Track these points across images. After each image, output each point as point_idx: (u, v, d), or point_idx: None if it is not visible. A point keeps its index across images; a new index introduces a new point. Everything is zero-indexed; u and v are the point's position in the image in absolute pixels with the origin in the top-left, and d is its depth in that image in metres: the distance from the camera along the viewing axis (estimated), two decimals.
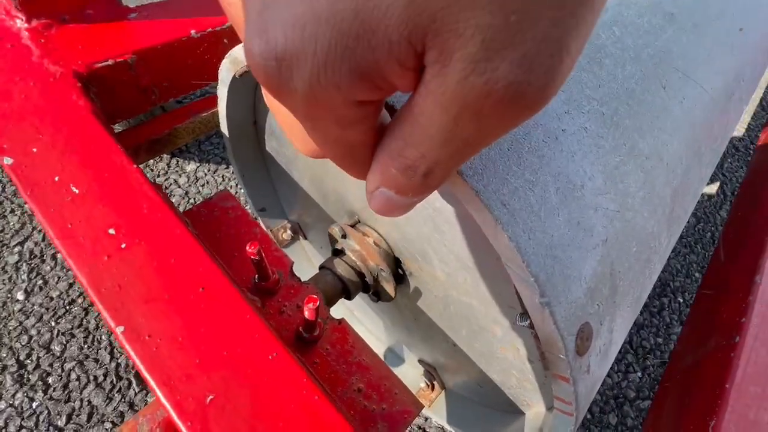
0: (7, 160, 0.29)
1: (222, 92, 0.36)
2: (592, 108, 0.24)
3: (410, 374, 0.49)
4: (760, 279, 0.37)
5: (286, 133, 0.16)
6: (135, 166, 0.31)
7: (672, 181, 0.28)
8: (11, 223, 0.69)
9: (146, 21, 0.41)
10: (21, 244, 0.67)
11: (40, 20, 0.37)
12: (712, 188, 1.08)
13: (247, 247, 0.30)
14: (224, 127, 0.40)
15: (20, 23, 0.37)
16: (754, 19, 0.43)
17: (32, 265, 0.65)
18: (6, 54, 0.35)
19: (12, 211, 0.71)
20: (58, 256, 0.67)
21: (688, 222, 0.98)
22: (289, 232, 0.52)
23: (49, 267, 0.65)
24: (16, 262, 0.65)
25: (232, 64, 0.31)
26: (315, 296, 0.29)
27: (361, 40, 0.10)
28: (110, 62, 0.37)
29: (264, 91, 0.17)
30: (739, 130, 1.24)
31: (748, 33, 0.41)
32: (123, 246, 0.27)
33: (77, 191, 0.28)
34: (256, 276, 0.33)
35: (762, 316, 0.34)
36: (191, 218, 0.34)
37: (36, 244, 0.68)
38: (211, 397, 0.23)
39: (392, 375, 0.33)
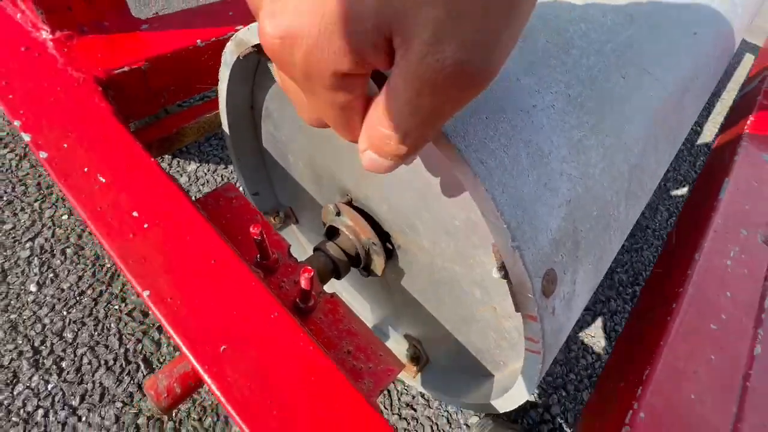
0: (43, 154, 0.33)
1: (224, 74, 0.40)
2: (560, 90, 0.29)
3: (396, 350, 0.54)
4: (699, 256, 0.42)
5: (293, 102, 0.20)
6: (152, 159, 0.35)
7: (629, 159, 0.33)
8: (22, 221, 0.73)
9: (156, 32, 0.45)
10: (32, 240, 0.71)
11: (63, 31, 0.42)
12: (685, 189, 1.15)
13: (251, 228, 0.35)
14: (223, 109, 0.44)
15: (45, 34, 0.41)
16: (707, 26, 0.48)
17: (43, 259, 0.69)
18: (34, 62, 0.39)
19: (22, 209, 0.75)
20: (68, 251, 0.71)
21: (661, 215, 1.04)
22: (281, 215, 0.56)
23: (59, 261, 0.69)
24: (28, 257, 0.69)
25: (236, 46, 0.35)
26: (310, 268, 0.33)
27: (344, 27, 0.13)
28: (126, 69, 0.41)
29: (274, 69, 0.21)
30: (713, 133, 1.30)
31: (702, 37, 0.46)
32: (145, 226, 0.31)
33: (104, 180, 0.33)
34: (258, 255, 0.37)
35: (696, 286, 0.40)
36: (200, 205, 0.39)
37: (46, 240, 0.72)
38: (224, 347, 0.27)
39: (377, 340, 0.38)
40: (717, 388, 0.34)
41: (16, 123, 0.35)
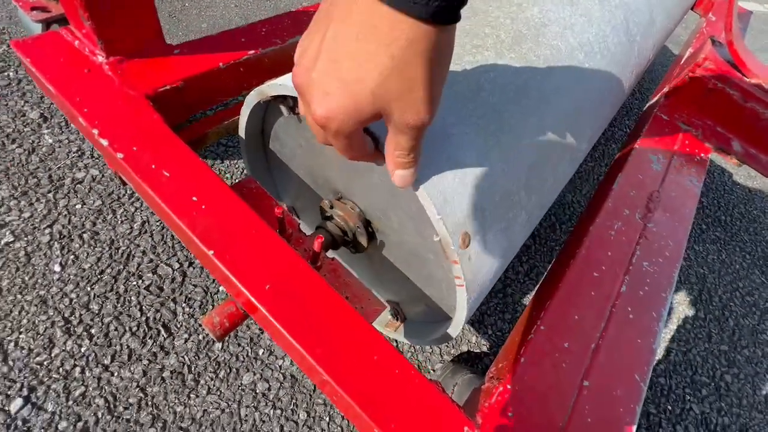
0: (119, 155, 0.45)
1: (245, 111, 0.53)
2: (471, 121, 0.44)
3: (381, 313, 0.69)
4: (593, 228, 0.60)
5: (315, 133, 0.33)
6: (197, 155, 0.48)
7: (526, 161, 0.49)
8: (38, 209, 0.81)
9: (187, 56, 0.57)
10: (50, 226, 0.80)
11: (115, 56, 0.53)
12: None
13: (275, 209, 0.48)
14: (242, 132, 0.57)
15: (101, 59, 0.52)
16: (599, 60, 0.65)
17: (63, 243, 0.78)
18: (97, 81, 0.50)
19: (38, 199, 0.82)
20: (84, 236, 0.80)
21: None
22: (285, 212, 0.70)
23: (77, 245, 0.79)
24: (48, 241, 0.78)
25: (257, 94, 0.48)
26: (321, 236, 0.47)
27: (359, 113, 0.27)
28: (167, 87, 0.53)
29: (308, 119, 0.34)
30: None
31: (586, 76, 0.63)
32: (203, 207, 0.44)
33: (167, 174, 0.45)
34: (278, 229, 0.51)
35: (587, 248, 0.57)
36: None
37: (63, 226, 0.80)
38: (268, 285, 0.41)
39: (367, 290, 0.53)
40: (594, 313, 0.51)
41: (95, 131, 0.46)
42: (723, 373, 0.98)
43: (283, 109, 0.49)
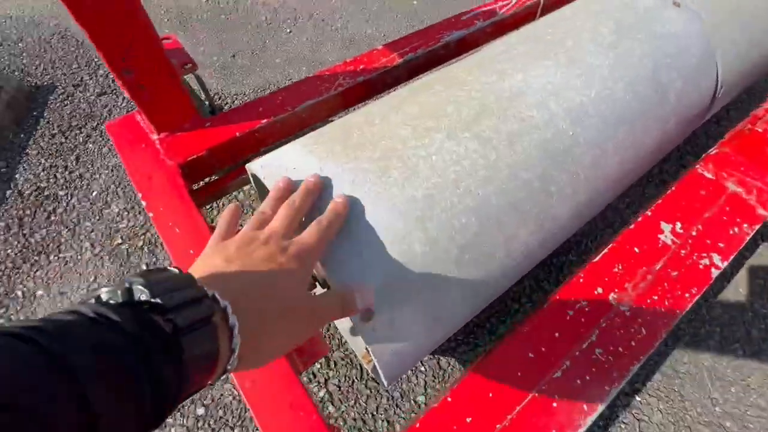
0: (150, 214, 0.64)
1: (248, 174, 0.68)
2: (396, 209, 0.50)
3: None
4: (548, 306, 0.60)
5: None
6: (202, 218, 0.64)
7: (457, 242, 0.53)
8: (140, 219, 1.11)
9: (213, 128, 0.74)
10: (144, 234, 1.08)
11: (164, 133, 0.72)
12: None
13: None
14: (254, 184, 0.72)
15: (155, 136, 0.72)
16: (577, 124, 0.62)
17: (151, 248, 1.06)
18: (148, 153, 0.70)
19: (141, 212, 1.12)
20: None
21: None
22: None
23: (160, 249, 1.05)
24: (141, 245, 1.06)
25: (250, 169, 0.62)
26: None
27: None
28: (195, 156, 0.71)
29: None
30: None
31: (564, 146, 0.60)
32: (191, 252, 0.60)
33: (178, 231, 0.62)
34: None
35: (534, 324, 0.58)
36: None
37: (153, 234, 1.08)
38: None
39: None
40: (513, 394, 0.54)
41: (139, 194, 0.65)
42: None
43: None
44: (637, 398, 0.89)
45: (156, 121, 0.70)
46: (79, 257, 1.05)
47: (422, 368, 0.91)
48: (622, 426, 0.86)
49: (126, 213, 1.12)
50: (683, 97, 0.67)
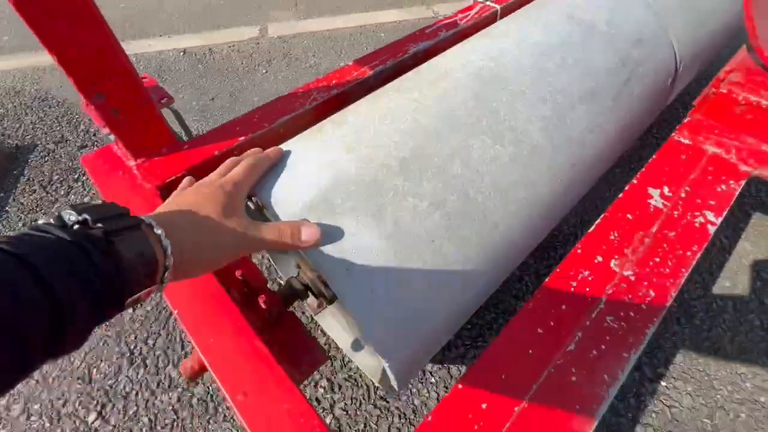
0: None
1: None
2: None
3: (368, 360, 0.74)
4: (549, 280, 0.58)
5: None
6: None
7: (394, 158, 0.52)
8: None
9: (191, 149, 0.74)
10: None
11: (141, 159, 0.72)
12: None
13: (236, 272, 0.59)
14: None
15: (132, 162, 0.71)
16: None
17: None
18: (126, 179, 0.69)
19: None
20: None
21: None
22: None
23: None
24: None
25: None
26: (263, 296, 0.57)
27: None
28: (173, 178, 0.69)
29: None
30: None
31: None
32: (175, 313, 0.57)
33: None
34: (244, 288, 0.61)
35: (539, 299, 0.55)
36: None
37: None
38: (211, 339, 0.51)
39: (310, 342, 0.60)
40: (527, 373, 0.50)
41: None
42: None
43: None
44: (663, 383, 0.84)
45: (132, 147, 0.70)
46: None
47: (432, 379, 0.85)
48: (653, 416, 0.80)
49: None
50: (645, 77, 0.70)
